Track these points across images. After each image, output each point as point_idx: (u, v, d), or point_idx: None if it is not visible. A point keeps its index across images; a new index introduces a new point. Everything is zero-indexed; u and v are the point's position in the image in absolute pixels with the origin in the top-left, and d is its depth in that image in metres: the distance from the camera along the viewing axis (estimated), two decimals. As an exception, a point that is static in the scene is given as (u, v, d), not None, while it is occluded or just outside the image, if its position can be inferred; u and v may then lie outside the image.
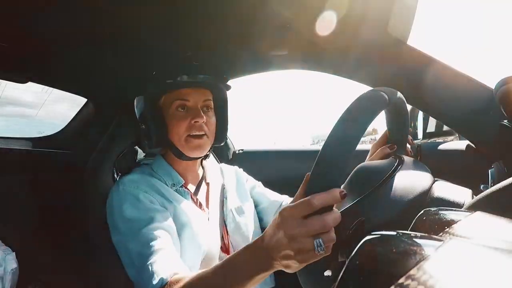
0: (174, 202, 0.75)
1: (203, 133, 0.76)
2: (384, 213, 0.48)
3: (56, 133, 1.41)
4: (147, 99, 0.77)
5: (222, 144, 0.89)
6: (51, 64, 1.08)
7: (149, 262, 0.61)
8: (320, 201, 0.40)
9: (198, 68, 0.76)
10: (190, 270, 0.67)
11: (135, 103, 0.84)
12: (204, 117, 0.76)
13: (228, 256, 0.57)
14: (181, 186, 0.79)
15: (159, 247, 0.63)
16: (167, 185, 0.78)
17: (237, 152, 1.39)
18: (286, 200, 0.96)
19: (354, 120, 0.43)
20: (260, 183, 1.01)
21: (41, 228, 1.13)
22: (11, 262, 0.77)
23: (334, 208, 0.42)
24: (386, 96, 0.47)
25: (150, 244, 0.64)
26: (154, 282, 0.59)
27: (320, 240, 0.40)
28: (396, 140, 0.72)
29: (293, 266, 0.43)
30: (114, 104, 1.17)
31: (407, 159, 0.60)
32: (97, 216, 0.79)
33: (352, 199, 0.53)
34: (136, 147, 0.93)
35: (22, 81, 1.14)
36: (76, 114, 1.39)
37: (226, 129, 0.87)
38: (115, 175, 0.87)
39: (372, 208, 0.49)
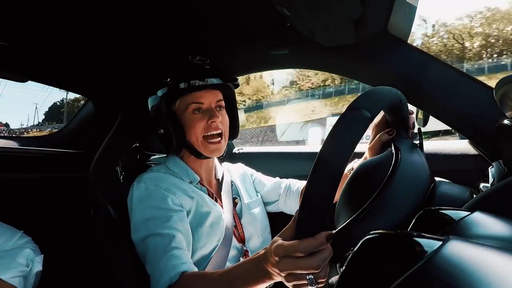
0: (195, 196, 0.80)
1: (219, 131, 0.81)
2: (383, 226, 0.47)
3: (56, 132, 1.41)
4: (162, 104, 0.79)
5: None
6: (51, 63, 1.08)
7: (161, 260, 0.66)
8: (306, 248, 0.42)
9: (210, 72, 0.80)
10: (208, 256, 0.76)
11: (149, 105, 0.86)
12: (220, 116, 0.80)
13: (231, 265, 0.63)
14: (197, 183, 0.84)
15: (172, 246, 0.68)
16: (184, 181, 0.82)
17: (237, 151, 1.39)
18: (278, 181, 1.01)
19: (334, 155, 0.40)
20: (258, 173, 1.06)
21: (44, 227, 1.13)
22: (38, 265, 0.76)
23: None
24: (368, 114, 0.43)
25: (164, 243, 0.68)
26: (164, 279, 0.63)
27: (312, 277, 0.43)
28: (396, 123, 0.68)
29: None
30: (115, 103, 1.17)
31: (405, 151, 0.56)
32: (102, 214, 0.79)
33: (352, 209, 0.52)
34: (138, 146, 0.93)
35: (22, 80, 1.14)
36: (76, 113, 1.39)
37: (238, 124, 0.92)
38: (119, 174, 0.88)
39: (370, 223, 0.47)
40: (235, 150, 1.40)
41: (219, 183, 0.91)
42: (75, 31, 0.89)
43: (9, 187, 1.08)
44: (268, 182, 1.02)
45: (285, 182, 1.00)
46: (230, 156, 1.37)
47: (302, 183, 0.98)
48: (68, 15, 0.82)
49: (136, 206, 0.75)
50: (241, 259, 0.83)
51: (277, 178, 1.03)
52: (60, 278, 1.00)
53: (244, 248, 0.86)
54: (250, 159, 1.31)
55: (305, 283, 0.44)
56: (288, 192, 0.97)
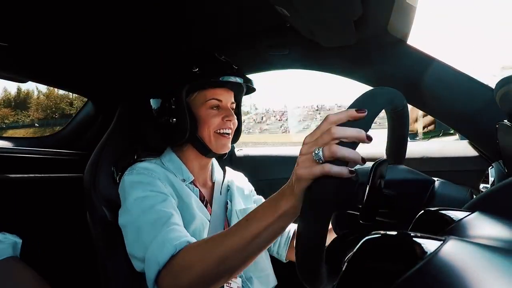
0: (183, 196, 0.76)
1: (230, 131, 0.81)
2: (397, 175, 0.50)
3: (56, 132, 1.41)
4: (182, 93, 0.77)
5: None
6: (51, 64, 1.08)
7: (161, 233, 0.62)
8: (336, 117, 0.42)
9: (237, 71, 0.80)
10: None
11: (154, 100, 0.83)
12: (234, 116, 0.81)
13: None
14: (190, 183, 0.81)
15: (172, 222, 0.64)
16: (177, 178, 0.80)
17: (236, 151, 1.39)
18: None
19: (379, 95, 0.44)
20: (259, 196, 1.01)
21: (43, 228, 1.13)
22: (15, 237, 0.77)
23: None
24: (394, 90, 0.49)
25: (163, 218, 0.65)
26: (167, 248, 0.59)
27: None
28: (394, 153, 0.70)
29: (314, 165, 0.42)
30: (115, 103, 1.17)
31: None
32: (97, 216, 0.79)
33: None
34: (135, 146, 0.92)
35: (22, 80, 1.14)
36: (77, 113, 1.39)
37: (241, 129, 0.92)
38: (115, 175, 0.87)
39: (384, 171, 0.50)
40: (235, 151, 1.40)
41: (213, 186, 0.88)
42: (75, 31, 0.89)
43: (9, 187, 1.08)
44: None
45: None
46: (230, 157, 1.37)
47: (294, 226, 0.93)
48: (69, 16, 0.82)
49: (128, 189, 0.72)
50: None
51: None
52: (58, 278, 1.00)
53: None
54: (251, 160, 1.31)
55: (333, 141, 0.40)
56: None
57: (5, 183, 1.07)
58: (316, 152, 0.41)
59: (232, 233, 0.53)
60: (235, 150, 1.40)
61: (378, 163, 0.46)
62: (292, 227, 0.94)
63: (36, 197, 1.13)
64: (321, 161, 0.40)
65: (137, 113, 0.85)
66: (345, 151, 0.40)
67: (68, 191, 1.20)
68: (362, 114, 0.40)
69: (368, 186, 0.44)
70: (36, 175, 1.15)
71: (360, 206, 0.45)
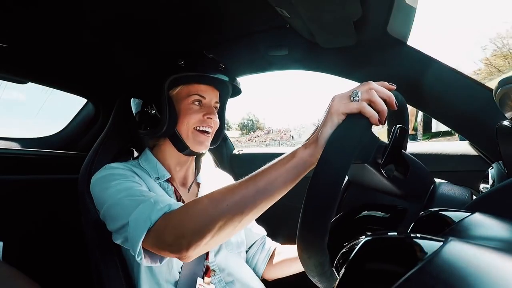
0: (154, 193, 0.71)
1: (210, 130, 0.79)
2: None
3: (56, 133, 1.41)
4: (165, 85, 0.75)
5: (216, 146, 0.90)
6: (51, 65, 1.08)
7: (151, 198, 0.61)
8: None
9: (223, 70, 0.79)
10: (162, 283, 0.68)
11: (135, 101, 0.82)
12: (216, 115, 0.79)
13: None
14: (166, 181, 0.79)
15: (160, 200, 0.62)
16: (151, 177, 0.77)
17: (237, 152, 1.39)
18: (263, 234, 0.94)
19: None
20: None
21: (40, 228, 1.13)
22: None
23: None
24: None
25: (145, 193, 0.64)
26: (159, 207, 0.58)
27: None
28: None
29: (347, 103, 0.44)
30: (115, 103, 1.17)
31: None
32: (91, 218, 0.78)
33: None
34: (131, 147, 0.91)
35: (22, 81, 1.14)
36: (76, 115, 1.39)
37: (223, 132, 0.90)
38: None
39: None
40: (235, 152, 1.39)
41: (198, 188, 0.84)
42: (75, 32, 0.89)
43: (9, 188, 1.08)
44: (251, 227, 0.93)
45: (263, 236, 0.93)
46: (230, 158, 1.37)
47: (276, 244, 0.93)
48: (68, 16, 0.82)
49: (100, 184, 0.69)
50: (199, 280, 0.72)
51: (262, 229, 0.95)
52: (51, 281, 0.99)
53: (206, 263, 0.75)
54: (251, 160, 1.31)
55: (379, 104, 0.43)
56: (261, 247, 0.91)
57: (6, 183, 1.07)
58: (354, 92, 0.44)
59: (241, 184, 0.52)
60: (235, 151, 1.40)
61: (400, 127, 0.46)
62: (273, 245, 0.93)
63: (32, 198, 1.13)
64: (357, 101, 0.43)
65: (130, 110, 0.83)
66: (379, 100, 0.43)
67: (65, 192, 1.19)
68: (393, 87, 0.46)
69: (389, 145, 0.44)
70: (33, 176, 1.14)
71: (380, 162, 0.45)
